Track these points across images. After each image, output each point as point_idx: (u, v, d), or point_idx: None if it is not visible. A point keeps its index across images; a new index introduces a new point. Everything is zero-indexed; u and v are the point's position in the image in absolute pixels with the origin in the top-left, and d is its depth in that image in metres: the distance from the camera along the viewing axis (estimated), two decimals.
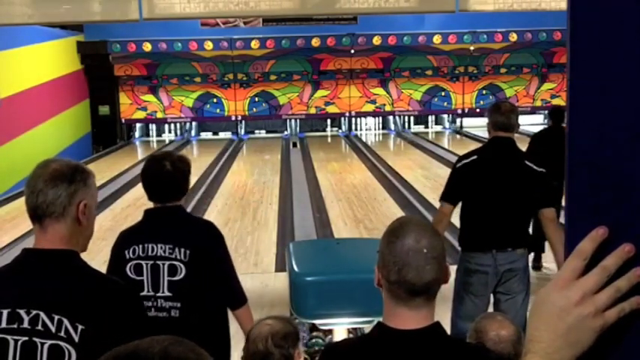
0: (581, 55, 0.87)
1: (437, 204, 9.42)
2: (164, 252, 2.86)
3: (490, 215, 3.97)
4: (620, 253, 0.85)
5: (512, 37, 17.08)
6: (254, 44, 16.80)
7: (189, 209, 9.74)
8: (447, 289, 5.91)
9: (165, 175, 2.93)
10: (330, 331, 3.68)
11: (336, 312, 3.72)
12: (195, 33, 16.06)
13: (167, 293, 2.84)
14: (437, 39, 17.00)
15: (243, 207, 9.78)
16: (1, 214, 10.08)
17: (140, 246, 2.87)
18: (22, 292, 1.85)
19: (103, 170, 13.65)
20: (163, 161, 2.96)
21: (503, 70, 18.13)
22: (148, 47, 16.52)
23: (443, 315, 5.28)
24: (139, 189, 10.49)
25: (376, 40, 16.92)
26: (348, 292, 3.67)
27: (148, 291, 2.84)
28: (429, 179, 11.63)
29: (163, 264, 2.85)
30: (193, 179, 13.90)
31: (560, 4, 7.56)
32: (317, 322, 3.72)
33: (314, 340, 3.51)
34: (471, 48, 17.28)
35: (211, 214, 9.14)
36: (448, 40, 17.03)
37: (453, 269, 6.36)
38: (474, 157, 4.08)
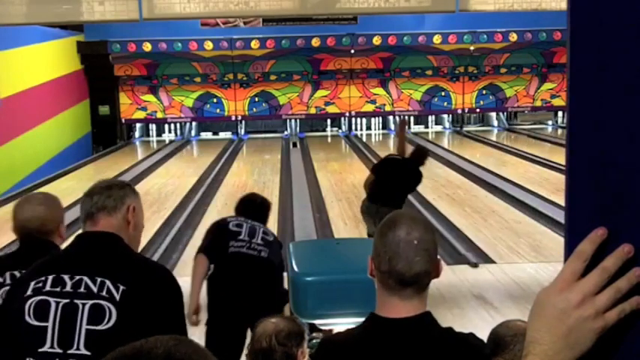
0: (581, 54, 0.87)
1: (437, 204, 9.46)
2: None
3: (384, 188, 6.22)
4: (619, 254, 0.84)
5: (512, 37, 17.08)
6: (254, 44, 16.80)
7: (189, 209, 9.78)
8: (446, 290, 5.91)
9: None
10: (330, 331, 3.68)
11: (336, 312, 3.72)
12: (195, 33, 16.05)
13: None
14: (437, 39, 17.00)
15: None
16: (1, 214, 10.07)
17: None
18: (69, 261, 2.00)
19: (103, 170, 13.65)
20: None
21: (503, 70, 18.13)
22: (148, 47, 16.52)
23: (442, 318, 5.27)
24: (138, 189, 10.49)
25: (376, 40, 16.92)
26: (348, 292, 3.67)
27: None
28: (429, 179, 11.59)
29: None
30: (193, 179, 13.83)
31: (560, 4, 7.56)
32: (317, 322, 3.72)
33: (314, 341, 3.51)
34: (471, 48, 17.28)
35: (211, 214, 9.13)
36: (448, 40, 17.03)
37: (453, 268, 6.33)
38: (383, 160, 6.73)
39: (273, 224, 8.82)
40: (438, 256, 1.73)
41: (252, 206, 4.30)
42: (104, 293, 1.89)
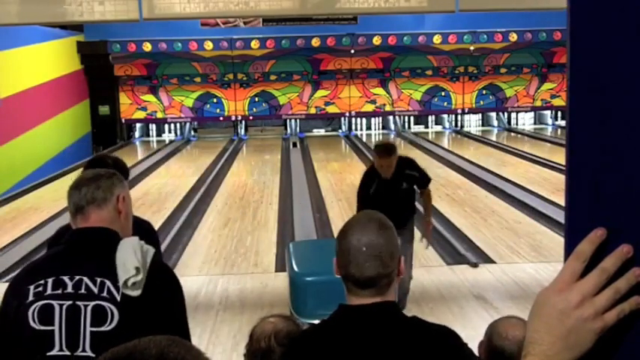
0: (581, 55, 0.87)
1: (437, 204, 9.46)
2: None
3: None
4: (618, 255, 0.84)
5: (512, 37, 17.08)
6: (254, 44, 16.80)
7: (189, 209, 9.78)
8: (446, 290, 5.91)
9: None
10: None
11: None
12: (195, 33, 16.06)
13: None
14: (437, 39, 17.00)
15: (243, 207, 9.77)
16: (1, 214, 10.07)
17: None
18: (66, 262, 1.97)
19: None
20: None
21: (503, 70, 18.13)
22: (148, 47, 16.52)
23: (442, 318, 5.24)
24: (138, 189, 10.52)
25: (376, 40, 16.92)
26: None
27: None
28: None
29: None
30: (193, 179, 13.82)
31: (560, 4, 7.56)
32: (317, 322, 3.71)
33: None
34: (471, 48, 17.28)
35: (211, 214, 9.14)
36: (448, 40, 17.03)
37: (453, 268, 6.29)
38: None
39: (273, 224, 8.87)
40: (402, 257, 1.76)
41: None
42: (105, 294, 1.89)
